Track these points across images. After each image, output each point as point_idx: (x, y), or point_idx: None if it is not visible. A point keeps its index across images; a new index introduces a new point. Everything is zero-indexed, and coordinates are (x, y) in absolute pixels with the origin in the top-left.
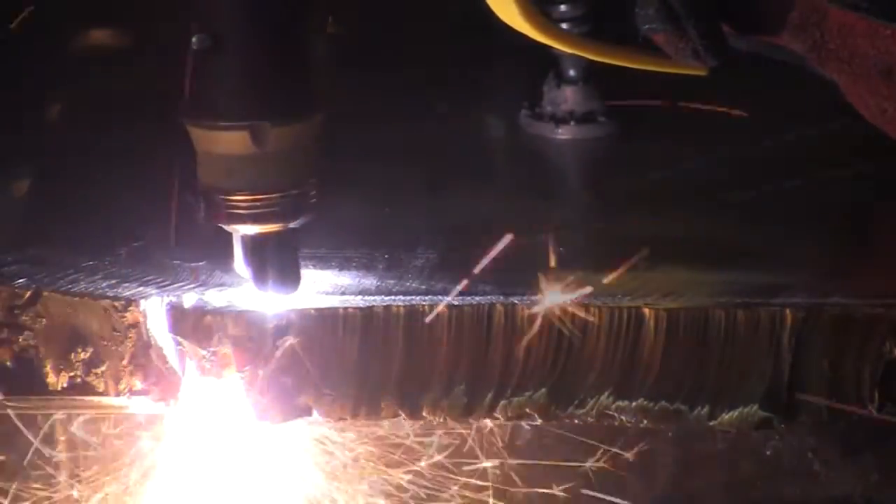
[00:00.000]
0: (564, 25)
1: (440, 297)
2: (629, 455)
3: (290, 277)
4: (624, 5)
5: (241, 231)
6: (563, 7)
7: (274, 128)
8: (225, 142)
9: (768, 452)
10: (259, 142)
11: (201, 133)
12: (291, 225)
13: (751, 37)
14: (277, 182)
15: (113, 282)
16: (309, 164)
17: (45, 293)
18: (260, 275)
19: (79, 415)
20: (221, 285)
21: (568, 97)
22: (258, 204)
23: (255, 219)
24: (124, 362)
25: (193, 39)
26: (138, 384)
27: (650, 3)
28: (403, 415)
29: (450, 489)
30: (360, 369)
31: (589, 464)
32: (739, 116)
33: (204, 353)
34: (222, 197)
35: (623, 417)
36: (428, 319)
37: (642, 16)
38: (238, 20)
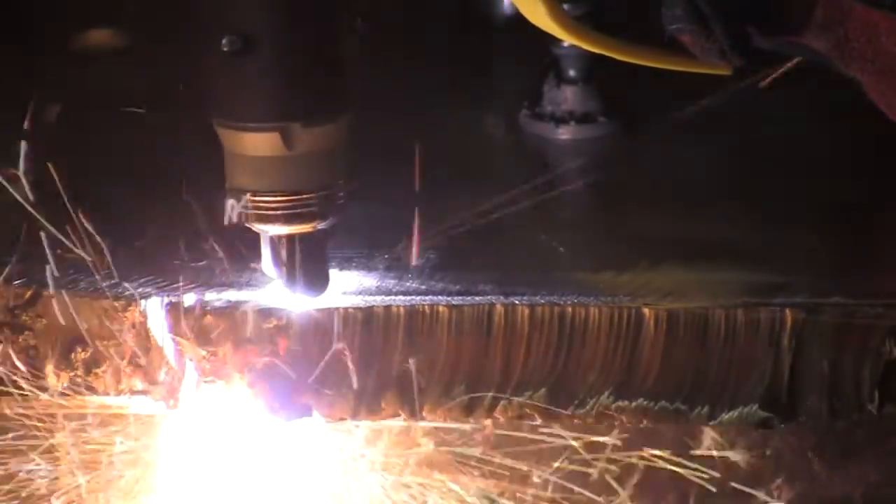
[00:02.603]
0: None
1: (440, 297)
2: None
3: (318, 278)
4: (648, 5)
5: (271, 232)
6: (564, 7)
7: (304, 129)
8: (255, 142)
9: (768, 452)
10: (289, 143)
11: (231, 134)
12: (320, 226)
13: (775, 36)
14: (307, 183)
15: (113, 282)
16: (338, 164)
17: (45, 293)
18: (288, 276)
19: (79, 415)
20: (222, 285)
21: (568, 97)
22: (288, 205)
23: (284, 219)
24: (124, 362)
25: (224, 41)
26: (138, 384)
27: (677, 4)
28: (403, 415)
29: None
30: (360, 369)
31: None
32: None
33: (204, 353)
34: (251, 198)
35: (623, 417)
36: None
37: (669, 16)
38: (268, 22)
